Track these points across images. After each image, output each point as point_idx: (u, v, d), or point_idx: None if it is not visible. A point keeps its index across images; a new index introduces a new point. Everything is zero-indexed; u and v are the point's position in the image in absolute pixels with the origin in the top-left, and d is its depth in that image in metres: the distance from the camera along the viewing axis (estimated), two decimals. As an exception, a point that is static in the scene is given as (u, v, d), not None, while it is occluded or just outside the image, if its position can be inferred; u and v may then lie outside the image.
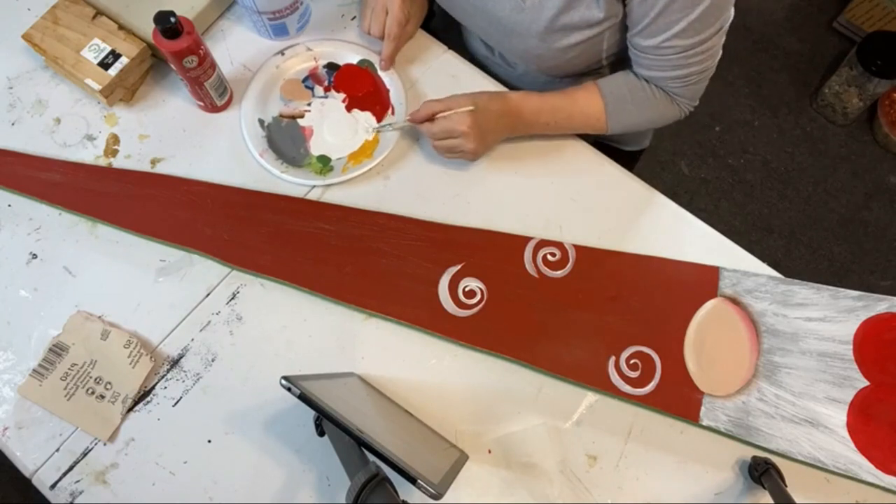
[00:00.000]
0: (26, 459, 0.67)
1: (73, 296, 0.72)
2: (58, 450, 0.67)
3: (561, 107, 0.76)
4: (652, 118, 0.78)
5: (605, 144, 0.95)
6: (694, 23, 0.65)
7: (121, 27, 0.79)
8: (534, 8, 0.70)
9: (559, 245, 0.74)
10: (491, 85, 0.82)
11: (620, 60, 0.79)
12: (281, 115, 0.80)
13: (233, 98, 0.81)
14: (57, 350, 0.69)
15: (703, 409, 0.68)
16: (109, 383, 0.68)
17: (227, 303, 0.72)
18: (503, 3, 0.72)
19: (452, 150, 0.75)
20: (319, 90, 0.82)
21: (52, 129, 0.79)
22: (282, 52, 0.82)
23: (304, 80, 0.82)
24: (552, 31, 0.71)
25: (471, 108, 0.72)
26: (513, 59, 0.83)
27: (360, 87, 0.81)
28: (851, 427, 0.67)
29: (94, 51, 0.77)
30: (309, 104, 0.81)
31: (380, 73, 0.82)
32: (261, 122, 0.79)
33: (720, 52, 0.71)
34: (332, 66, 0.82)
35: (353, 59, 0.82)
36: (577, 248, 0.74)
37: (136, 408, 0.69)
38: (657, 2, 0.64)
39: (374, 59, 0.82)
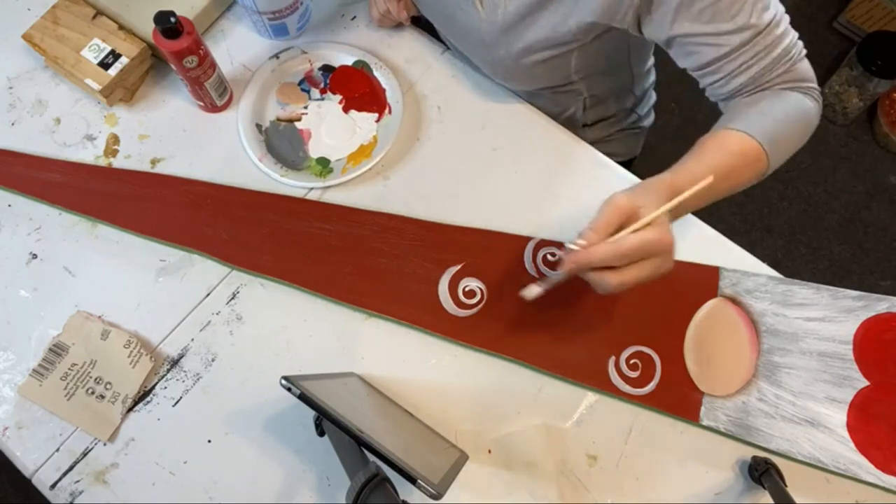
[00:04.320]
0: (26, 459, 0.67)
1: (73, 296, 0.72)
2: (58, 450, 0.67)
3: (726, 165, 0.59)
4: (796, 117, 0.64)
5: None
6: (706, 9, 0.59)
7: (121, 27, 0.79)
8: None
9: (559, 245, 0.74)
10: (497, 88, 0.82)
11: (591, 76, 0.77)
12: (278, 119, 0.80)
13: (233, 98, 0.81)
14: (57, 350, 0.69)
15: (703, 409, 0.68)
16: (109, 383, 0.68)
17: (227, 303, 0.73)
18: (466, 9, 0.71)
19: (650, 275, 0.53)
20: (316, 93, 0.82)
21: (52, 129, 0.79)
22: (277, 56, 0.81)
23: (300, 83, 0.82)
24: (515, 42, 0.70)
25: (666, 209, 0.53)
26: (488, 70, 0.81)
27: (356, 88, 0.81)
28: (851, 427, 0.67)
29: (94, 51, 0.77)
30: (306, 107, 0.81)
31: (375, 73, 0.82)
32: (258, 126, 0.79)
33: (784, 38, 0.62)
34: (327, 69, 0.82)
35: (349, 61, 0.82)
36: (577, 248, 0.73)
37: (136, 408, 0.69)
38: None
39: (369, 60, 0.82)
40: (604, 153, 0.94)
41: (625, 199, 0.53)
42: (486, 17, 0.71)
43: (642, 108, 0.97)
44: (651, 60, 0.93)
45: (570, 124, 0.87)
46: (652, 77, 0.95)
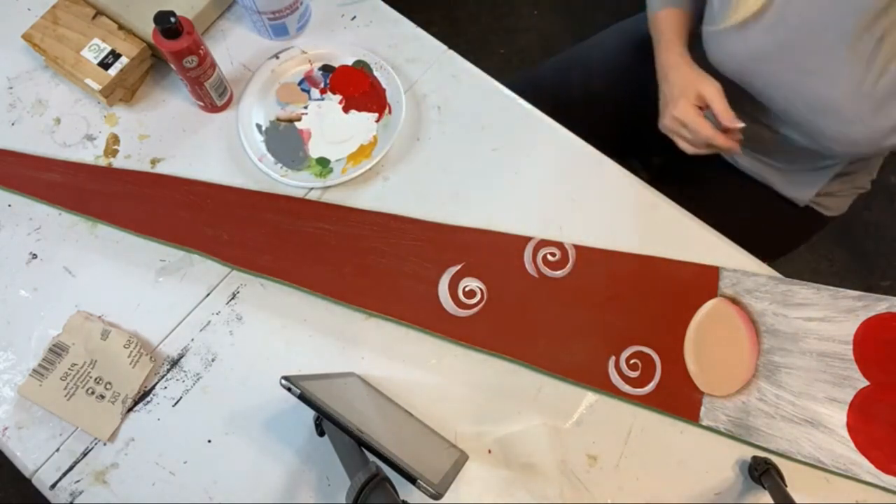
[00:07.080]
0: (26, 459, 0.67)
1: (73, 296, 0.72)
2: (58, 450, 0.67)
3: None
4: None
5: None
6: None
7: (121, 27, 0.79)
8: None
9: (559, 245, 0.74)
10: (497, 88, 0.82)
11: None
12: (278, 119, 0.80)
13: (233, 98, 0.81)
14: (57, 350, 0.69)
15: (703, 409, 0.68)
16: (109, 383, 0.68)
17: (227, 303, 0.73)
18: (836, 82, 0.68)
19: None
20: (316, 92, 0.82)
21: (52, 129, 0.79)
22: (276, 56, 0.81)
23: (300, 83, 0.82)
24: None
25: None
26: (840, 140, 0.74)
27: (356, 88, 0.81)
28: (851, 427, 0.67)
29: (94, 51, 0.77)
30: (306, 107, 0.81)
31: (375, 73, 0.81)
32: (258, 126, 0.79)
33: None
34: (327, 69, 0.82)
35: (349, 61, 0.82)
36: (577, 248, 0.74)
37: (136, 408, 0.69)
38: None
39: (370, 60, 0.82)
40: (817, 205, 0.90)
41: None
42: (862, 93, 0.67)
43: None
44: None
45: (819, 172, 0.85)
46: None
